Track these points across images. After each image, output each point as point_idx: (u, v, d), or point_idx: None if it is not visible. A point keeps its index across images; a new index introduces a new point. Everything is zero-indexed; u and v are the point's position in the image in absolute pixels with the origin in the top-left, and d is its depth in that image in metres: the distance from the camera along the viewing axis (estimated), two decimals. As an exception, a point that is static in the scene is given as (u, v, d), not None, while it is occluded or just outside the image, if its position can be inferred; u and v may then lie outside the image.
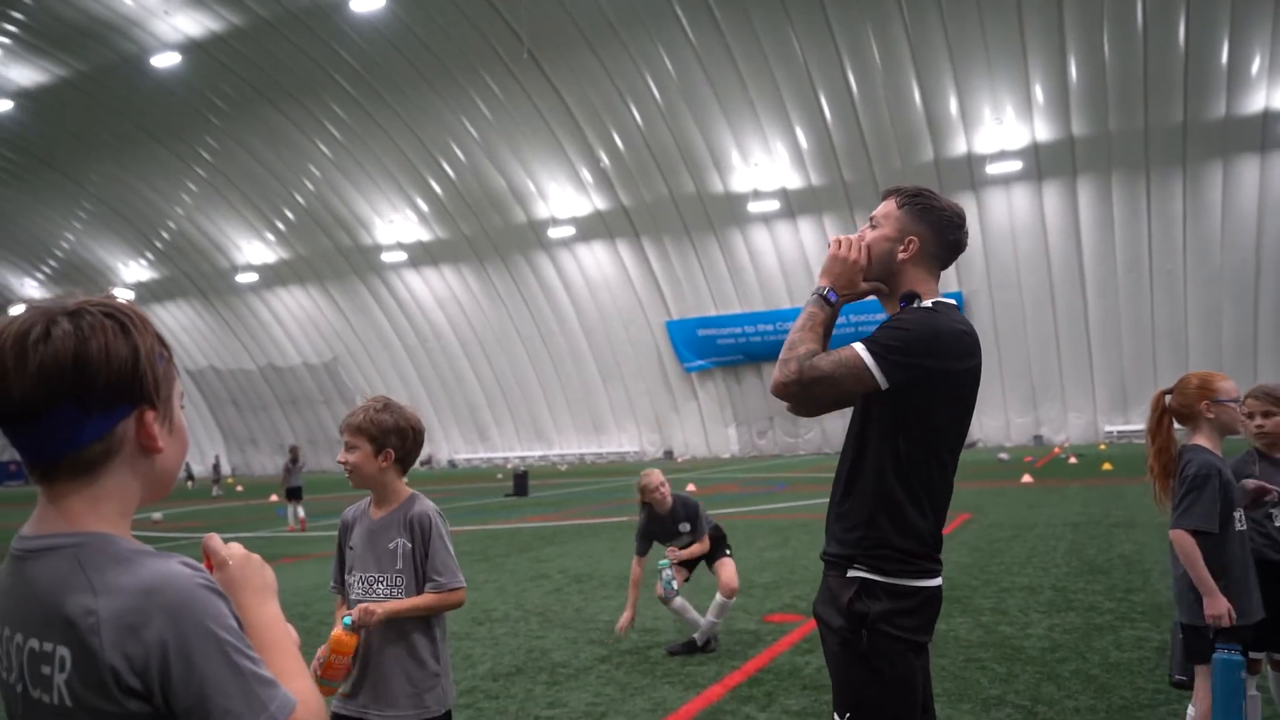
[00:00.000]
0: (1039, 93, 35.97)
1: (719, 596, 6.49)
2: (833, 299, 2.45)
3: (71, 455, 1.17)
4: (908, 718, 2.30)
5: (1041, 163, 37.71)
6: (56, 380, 1.14)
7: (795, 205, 41.80)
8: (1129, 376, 39.14)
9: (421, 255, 49.84)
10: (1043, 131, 37.03)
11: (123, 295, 1.27)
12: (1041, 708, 4.88)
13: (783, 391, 2.37)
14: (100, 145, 48.09)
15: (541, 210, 45.68)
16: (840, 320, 2.51)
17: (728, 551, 6.83)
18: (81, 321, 1.16)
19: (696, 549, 6.64)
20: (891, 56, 35.87)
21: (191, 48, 40.01)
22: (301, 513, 17.59)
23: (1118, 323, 38.92)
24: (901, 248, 2.45)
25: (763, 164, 40.88)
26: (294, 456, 18.38)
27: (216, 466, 37.58)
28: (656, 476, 6.64)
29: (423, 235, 49.02)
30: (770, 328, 43.44)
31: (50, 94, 44.22)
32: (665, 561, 6.50)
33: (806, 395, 2.35)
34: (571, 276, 47.60)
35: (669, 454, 47.98)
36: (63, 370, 1.14)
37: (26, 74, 42.96)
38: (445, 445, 54.82)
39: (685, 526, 6.63)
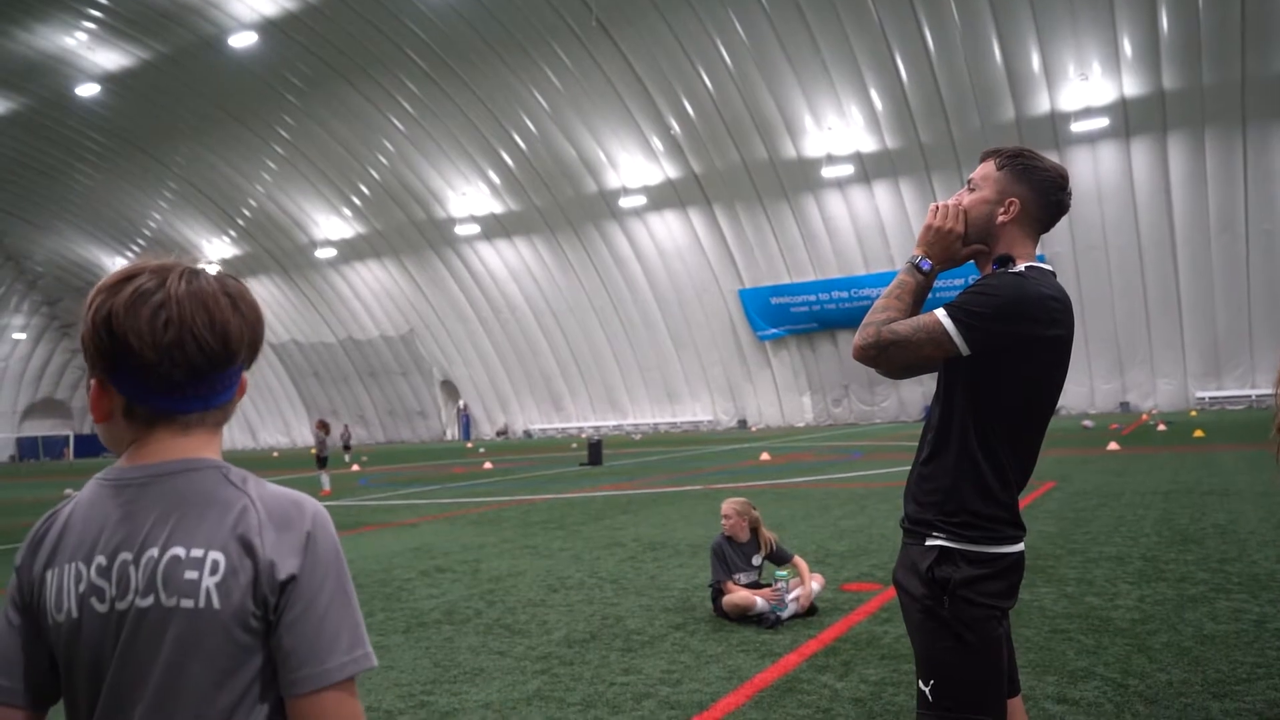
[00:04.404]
0: (1127, 45, 34.51)
1: (814, 585, 6.49)
2: (925, 268, 2.42)
3: (222, 404, 1.29)
4: (994, 686, 2.25)
5: (1130, 119, 36.24)
6: (248, 331, 1.28)
7: (870, 169, 40.98)
8: (1223, 341, 37.69)
9: (494, 227, 50.22)
10: (1131, 86, 35.55)
11: (209, 267, 1.38)
12: (1132, 680, 4.70)
13: (860, 355, 2.35)
14: (183, 125, 49.39)
15: (613, 180, 45.59)
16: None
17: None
18: (236, 281, 1.32)
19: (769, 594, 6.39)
20: (970, 11, 34.76)
21: (267, 27, 40.77)
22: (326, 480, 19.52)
23: (1210, 286, 37.41)
24: (1002, 210, 2.39)
25: (836, 127, 40.12)
26: (325, 428, 20.55)
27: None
28: (731, 506, 6.63)
29: (495, 207, 49.37)
30: (845, 294, 42.84)
31: (134, 77, 45.50)
32: (784, 574, 6.40)
33: (884, 359, 2.33)
34: (643, 246, 47.50)
35: (743, 423, 47.82)
36: (257, 322, 1.29)
37: (112, 58, 44.24)
38: (520, 415, 55.46)
39: (757, 560, 6.63)
